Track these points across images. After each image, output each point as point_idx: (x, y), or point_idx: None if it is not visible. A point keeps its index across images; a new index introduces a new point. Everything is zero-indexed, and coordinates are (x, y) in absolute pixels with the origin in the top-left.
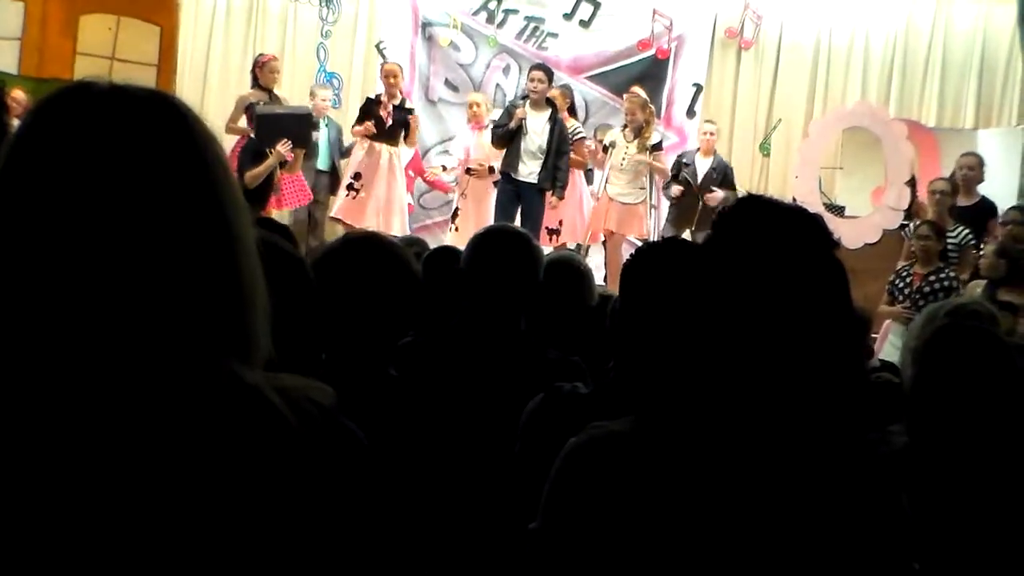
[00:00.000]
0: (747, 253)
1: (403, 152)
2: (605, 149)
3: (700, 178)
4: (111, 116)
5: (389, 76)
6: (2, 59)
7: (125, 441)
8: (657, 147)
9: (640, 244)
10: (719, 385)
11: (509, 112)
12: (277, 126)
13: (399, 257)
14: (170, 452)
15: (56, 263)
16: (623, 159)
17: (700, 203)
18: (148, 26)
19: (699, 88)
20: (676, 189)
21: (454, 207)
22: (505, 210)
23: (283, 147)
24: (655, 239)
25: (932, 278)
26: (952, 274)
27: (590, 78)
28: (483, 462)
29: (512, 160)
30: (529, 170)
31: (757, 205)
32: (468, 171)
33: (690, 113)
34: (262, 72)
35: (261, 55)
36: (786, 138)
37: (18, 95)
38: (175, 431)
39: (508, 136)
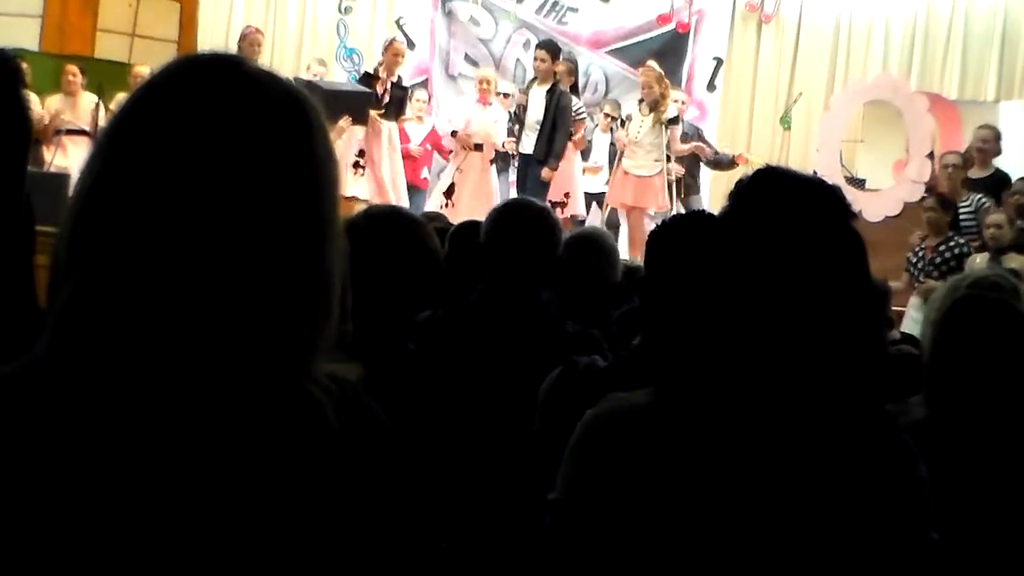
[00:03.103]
0: (764, 225)
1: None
2: (622, 123)
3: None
4: (248, 98)
5: (397, 55)
6: (23, 36)
7: (173, 429)
8: (673, 121)
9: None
10: (738, 356)
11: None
12: (341, 102)
13: (421, 233)
14: (215, 448)
15: (150, 231)
16: (638, 132)
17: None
18: (168, 3)
19: (719, 62)
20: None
21: (450, 182)
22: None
23: (344, 123)
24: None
25: (942, 247)
26: (962, 241)
27: (610, 52)
28: (502, 435)
29: (520, 136)
30: (530, 142)
31: (774, 177)
32: (476, 147)
33: (711, 87)
34: (243, 45)
35: (247, 27)
36: (807, 111)
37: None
38: (224, 429)
39: (516, 119)
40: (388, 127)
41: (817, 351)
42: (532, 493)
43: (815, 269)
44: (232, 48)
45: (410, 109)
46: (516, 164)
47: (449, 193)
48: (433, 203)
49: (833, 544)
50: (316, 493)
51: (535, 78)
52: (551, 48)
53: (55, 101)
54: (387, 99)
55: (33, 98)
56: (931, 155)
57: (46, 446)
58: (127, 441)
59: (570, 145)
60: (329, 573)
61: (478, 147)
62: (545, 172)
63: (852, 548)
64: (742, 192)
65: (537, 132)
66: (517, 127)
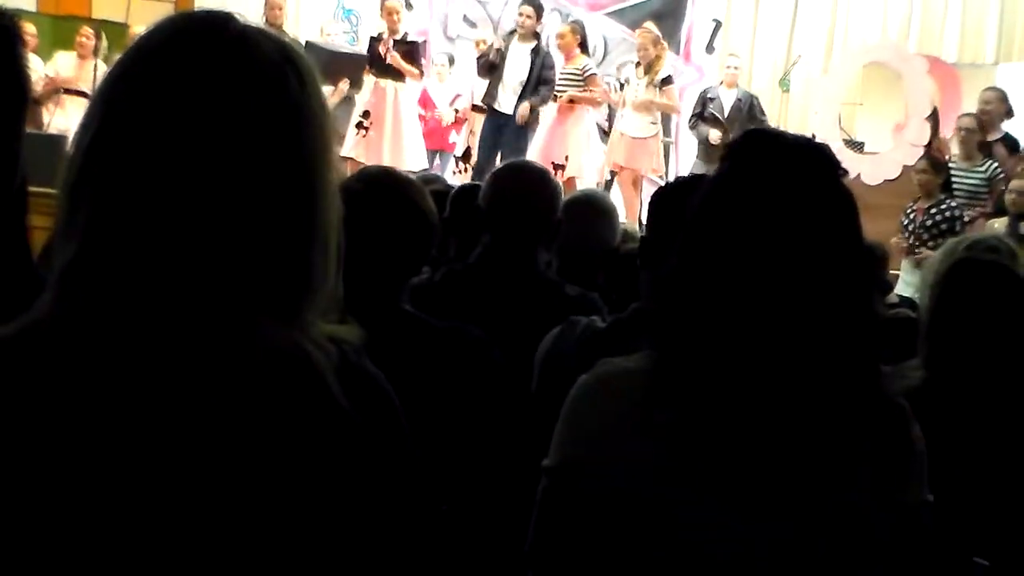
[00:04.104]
0: (753, 186)
1: (412, 86)
2: (621, 86)
3: (727, 111)
4: (238, 56)
5: (392, 13)
6: None
7: (157, 389)
8: (665, 81)
9: (657, 182)
10: (732, 319)
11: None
12: (340, 65)
13: (413, 194)
14: (215, 412)
15: (149, 192)
16: (635, 95)
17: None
18: None
19: (718, 24)
20: (715, 135)
21: (465, 146)
22: (488, 143)
23: (343, 85)
24: (675, 175)
25: (933, 211)
26: (954, 204)
27: (609, 15)
28: (500, 397)
29: (492, 91)
30: (509, 102)
31: (761, 138)
32: (475, 108)
33: (709, 49)
34: (266, 11)
35: None
36: (806, 74)
37: (29, 28)
38: (227, 388)
39: (488, 67)
40: (395, 87)
41: (810, 312)
42: (530, 454)
43: (805, 229)
44: (228, 8)
45: (431, 69)
46: (487, 120)
47: (466, 157)
48: (456, 170)
49: (826, 506)
50: (313, 455)
51: (513, 31)
52: (536, 5)
53: (65, 61)
54: (388, 59)
55: (34, 59)
56: (935, 116)
57: (50, 407)
58: (131, 404)
59: (578, 107)
60: (325, 535)
61: (480, 108)
62: (522, 108)
63: (846, 510)
64: (732, 154)
65: (519, 92)
66: (488, 83)
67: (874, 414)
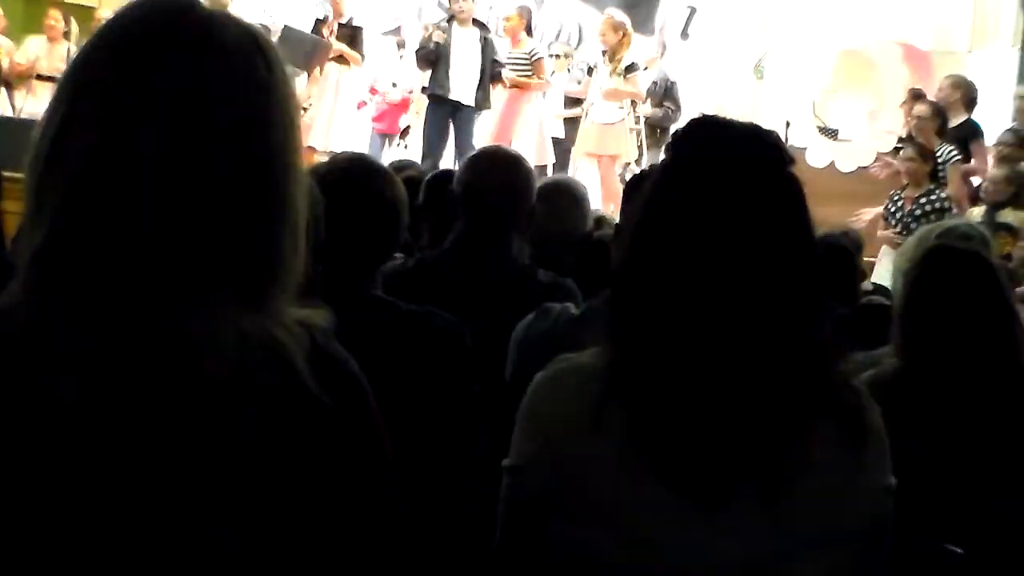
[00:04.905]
0: (696, 177)
1: (356, 71)
2: (589, 71)
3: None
4: (205, 40)
5: None
6: None
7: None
8: (629, 69)
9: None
10: (679, 312)
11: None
12: (317, 51)
13: (380, 181)
14: (188, 398)
15: (116, 175)
16: (602, 83)
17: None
18: None
19: (693, 10)
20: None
21: (405, 124)
22: (437, 131)
23: (317, 72)
24: (647, 162)
25: (923, 200)
26: (943, 195)
27: (584, 0)
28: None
29: (441, 80)
30: (462, 89)
31: (705, 127)
32: (424, 89)
33: (684, 35)
34: None
35: None
36: (781, 61)
37: None
38: (198, 374)
39: (431, 57)
40: (338, 69)
41: (759, 302)
42: (503, 441)
43: (750, 219)
44: None
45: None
46: (433, 108)
47: (404, 134)
48: (395, 147)
49: (786, 495)
50: (283, 439)
51: (452, 17)
52: None
53: (35, 45)
54: (333, 42)
55: (4, 41)
56: (921, 96)
57: (18, 397)
58: (100, 393)
59: (526, 92)
60: (296, 518)
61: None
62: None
63: (805, 497)
64: (676, 144)
65: (476, 80)
66: (431, 71)
67: (829, 401)
